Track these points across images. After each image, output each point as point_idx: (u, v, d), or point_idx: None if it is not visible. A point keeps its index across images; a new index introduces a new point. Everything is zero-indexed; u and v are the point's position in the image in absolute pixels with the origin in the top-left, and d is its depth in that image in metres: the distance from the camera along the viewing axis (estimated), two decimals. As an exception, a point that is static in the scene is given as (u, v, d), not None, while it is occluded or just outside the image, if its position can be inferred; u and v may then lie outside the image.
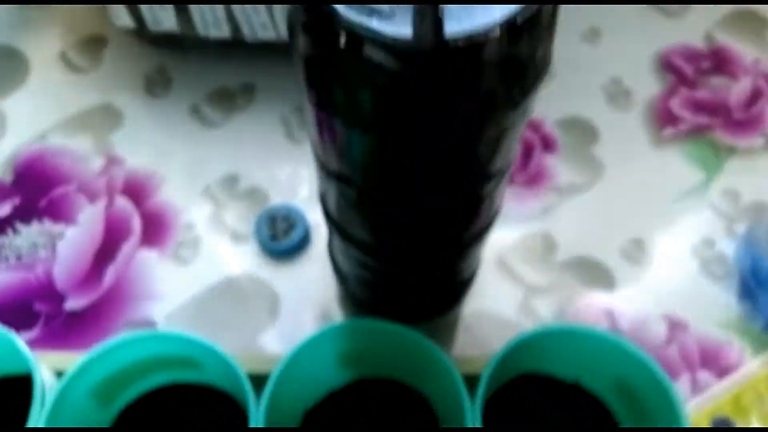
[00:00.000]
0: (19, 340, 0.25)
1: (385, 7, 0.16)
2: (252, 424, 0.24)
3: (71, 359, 0.30)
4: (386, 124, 0.19)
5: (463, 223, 0.25)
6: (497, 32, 0.16)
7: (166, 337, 0.26)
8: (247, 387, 0.24)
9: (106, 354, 0.26)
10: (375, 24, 0.16)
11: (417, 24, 0.16)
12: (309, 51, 0.19)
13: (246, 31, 0.36)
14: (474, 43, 0.16)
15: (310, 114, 0.22)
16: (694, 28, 0.44)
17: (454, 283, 0.31)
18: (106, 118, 0.39)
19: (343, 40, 0.17)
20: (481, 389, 0.25)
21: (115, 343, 0.26)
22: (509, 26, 0.16)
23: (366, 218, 0.25)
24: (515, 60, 0.17)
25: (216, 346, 0.26)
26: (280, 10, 0.35)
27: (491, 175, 0.22)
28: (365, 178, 0.22)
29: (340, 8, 0.16)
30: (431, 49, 0.16)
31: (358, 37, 0.16)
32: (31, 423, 0.24)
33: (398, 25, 0.16)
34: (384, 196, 0.23)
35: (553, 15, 0.18)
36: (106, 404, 0.28)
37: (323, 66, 0.18)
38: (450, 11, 0.16)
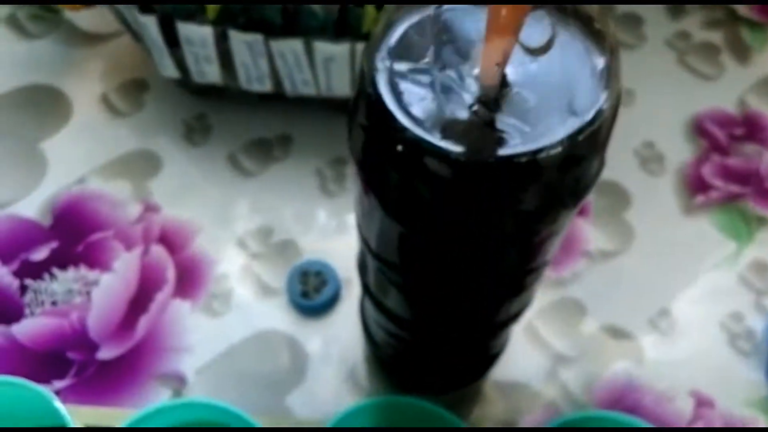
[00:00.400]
0: (58, 402, 0.26)
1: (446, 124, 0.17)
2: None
3: (104, 416, 0.30)
4: (437, 226, 0.19)
5: (500, 308, 0.25)
6: (556, 151, 0.16)
7: (203, 406, 0.27)
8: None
9: (142, 420, 0.26)
10: (435, 139, 0.17)
11: (473, 143, 0.17)
12: (366, 148, 0.19)
13: (287, 87, 0.37)
14: (532, 161, 0.16)
15: (361, 200, 0.22)
16: (727, 92, 0.44)
17: (485, 357, 0.31)
18: (144, 163, 0.40)
19: (401, 146, 0.17)
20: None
21: (152, 410, 0.26)
22: (569, 144, 0.16)
23: (403, 297, 0.25)
24: (572, 172, 0.18)
25: (250, 418, 0.26)
26: (322, 69, 0.35)
27: (534, 269, 0.23)
28: (408, 267, 0.23)
29: (402, 118, 0.17)
30: (488, 164, 0.17)
31: (419, 147, 0.17)
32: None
33: (457, 142, 0.17)
34: (425, 285, 0.23)
35: (612, 125, 0.18)
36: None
37: (379, 164, 0.19)
38: (510, 130, 0.17)
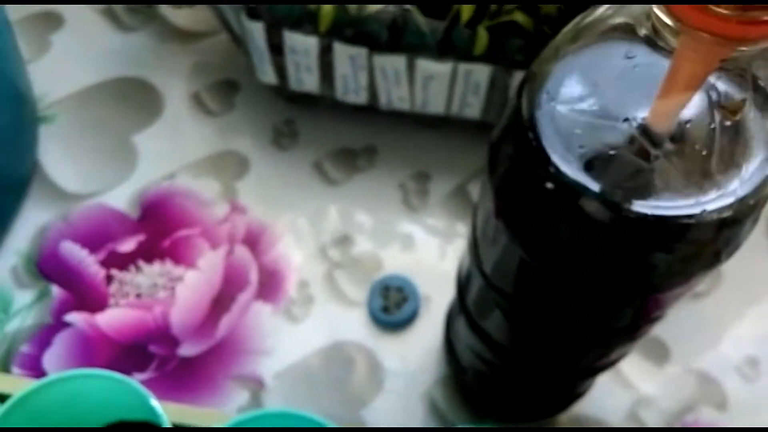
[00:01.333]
0: (152, 399, 0.26)
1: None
2: None
3: (188, 413, 0.30)
4: (571, 267, 0.19)
5: (606, 353, 0.25)
6: (725, 213, 0.16)
7: (293, 416, 0.27)
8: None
9: (233, 428, 0.26)
10: (589, 184, 0.16)
11: (628, 192, 0.16)
12: (509, 178, 0.19)
13: (383, 101, 0.37)
14: (693, 221, 0.16)
15: (485, 224, 0.22)
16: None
17: (570, 394, 0.30)
18: (232, 164, 0.40)
19: (552, 185, 0.17)
20: None
21: (244, 418, 0.26)
22: (737, 207, 0.16)
23: (507, 324, 0.25)
24: (730, 233, 0.17)
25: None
26: (420, 86, 0.35)
27: (654, 320, 0.22)
28: (523, 299, 0.22)
29: (556, 159, 0.17)
30: (645, 218, 0.16)
31: (571, 190, 0.17)
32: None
33: (613, 189, 0.16)
34: (535, 319, 0.23)
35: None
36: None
37: (521, 196, 0.19)
38: (672, 183, 0.16)
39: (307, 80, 0.36)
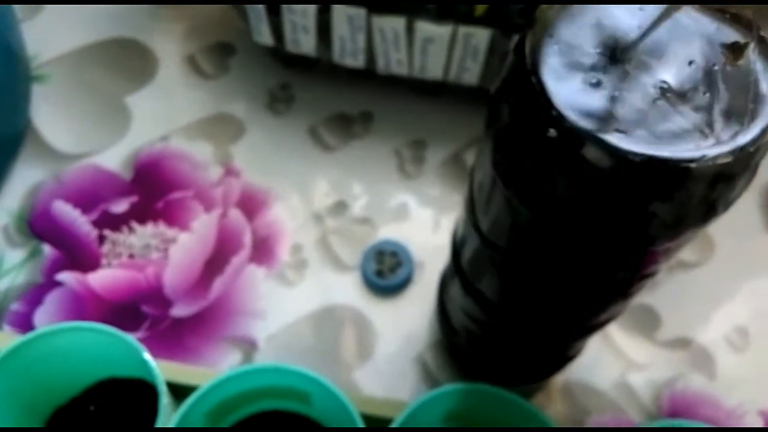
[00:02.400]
0: (148, 356, 0.26)
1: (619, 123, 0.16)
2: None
3: (182, 372, 0.30)
4: (570, 218, 0.19)
5: (599, 311, 0.25)
6: (726, 159, 0.16)
7: (285, 371, 0.27)
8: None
9: (226, 382, 0.26)
10: (593, 130, 0.16)
11: (633, 139, 0.16)
12: (509, 132, 0.19)
13: (380, 64, 0.36)
14: (696, 168, 0.16)
15: (482, 181, 0.22)
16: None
17: (561, 357, 0.31)
18: (227, 127, 0.40)
19: (556, 133, 0.17)
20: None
21: (236, 372, 0.26)
22: (739, 155, 0.16)
23: (503, 282, 0.25)
24: (728, 184, 0.17)
25: (333, 387, 0.26)
26: (419, 50, 0.35)
27: (647, 276, 0.22)
28: (520, 254, 0.22)
29: (562, 106, 0.17)
30: (649, 163, 0.16)
31: (575, 134, 0.16)
32: (153, 439, 0.25)
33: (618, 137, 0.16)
34: (532, 274, 0.23)
35: None
36: (217, 422, 0.28)
37: (521, 149, 0.18)
38: (681, 128, 0.16)
39: (304, 42, 0.36)
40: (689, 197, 0.17)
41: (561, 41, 0.17)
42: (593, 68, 0.16)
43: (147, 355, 0.26)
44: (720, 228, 0.38)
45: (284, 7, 0.34)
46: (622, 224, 0.18)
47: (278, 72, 0.41)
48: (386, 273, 0.35)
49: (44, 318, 0.34)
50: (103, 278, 0.35)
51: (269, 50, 0.39)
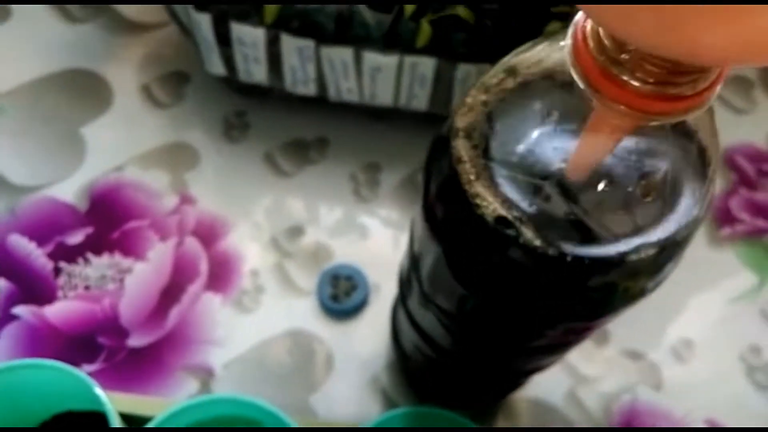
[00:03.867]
0: (97, 387, 0.26)
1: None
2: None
3: (136, 403, 0.31)
4: (501, 298, 0.19)
5: (541, 361, 0.26)
6: (648, 253, 0.17)
7: (238, 402, 0.27)
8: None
9: (180, 412, 0.27)
10: (516, 227, 0.16)
11: (554, 235, 0.17)
12: (441, 208, 0.19)
13: (332, 92, 0.37)
14: (621, 261, 0.17)
15: (422, 240, 0.22)
16: (758, 127, 0.44)
17: (513, 384, 0.31)
18: (182, 156, 0.40)
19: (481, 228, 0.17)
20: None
21: (189, 404, 0.27)
22: (661, 248, 0.17)
23: (442, 327, 0.25)
24: (655, 272, 0.18)
25: (285, 417, 0.27)
26: (368, 78, 0.36)
27: (584, 338, 0.23)
28: (458, 314, 0.23)
29: (486, 198, 0.17)
30: (573, 259, 0.16)
31: (500, 234, 0.17)
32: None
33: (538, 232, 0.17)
34: (471, 331, 0.23)
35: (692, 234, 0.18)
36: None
37: (452, 229, 0.19)
38: (594, 225, 0.17)
39: (256, 72, 0.37)
40: (614, 286, 0.18)
41: (484, 146, 0.17)
42: (520, 164, 0.17)
43: (98, 390, 0.26)
44: (665, 243, 0.40)
45: (234, 38, 0.35)
46: (549, 308, 0.18)
47: (233, 100, 0.42)
48: (341, 297, 0.36)
49: (1, 352, 0.34)
50: (59, 311, 0.35)
51: (224, 79, 0.39)
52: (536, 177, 0.16)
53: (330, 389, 0.35)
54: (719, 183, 0.42)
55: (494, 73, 0.18)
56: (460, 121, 0.18)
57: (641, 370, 0.36)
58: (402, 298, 0.28)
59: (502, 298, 0.19)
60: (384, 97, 0.37)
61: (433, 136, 0.20)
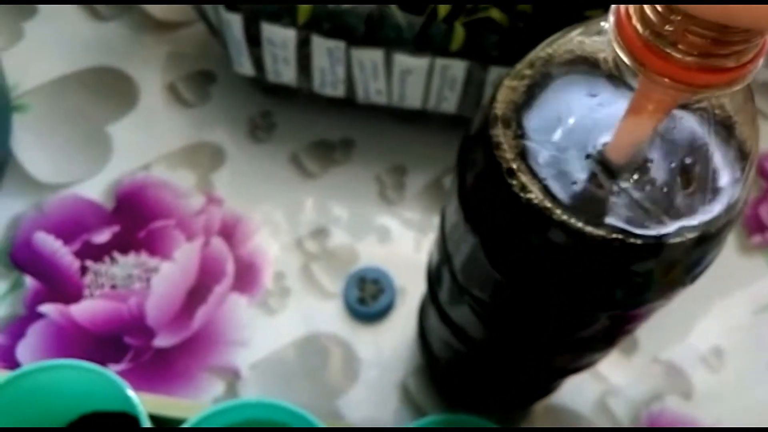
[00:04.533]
0: (129, 389, 0.26)
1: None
2: None
3: (163, 404, 0.31)
4: (542, 285, 0.19)
5: (580, 359, 0.25)
6: (693, 235, 0.16)
7: (269, 406, 0.27)
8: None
9: (212, 416, 0.26)
10: (557, 208, 0.16)
11: (596, 214, 0.16)
12: (478, 194, 0.19)
13: (360, 94, 0.37)
14: (664, 243, 0.16)
15: (455, 229, 0.22)
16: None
17: (545, 389, 0.31)
18: (208, 155, 0.40)
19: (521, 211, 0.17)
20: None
21: (221, 408, 0.26)
22: (705, 230, 0.16)
23: (476, 320, 0.25)
24: (699, 254, 0.18)
25: (316, 421, 0.26)
26: (398, 80, 0.35)
27: (627, 332, 0.23)
28: (494, 304, 0.22)
29: (526, 181, 0.17)
30: (616, 241, 0.16)
31: (540, 215, 0.17)
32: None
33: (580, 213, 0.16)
34: (507, 322, 0.23)
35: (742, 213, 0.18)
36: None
37: (489, 213, 0.19)
38: (636, 206, 0.16)
39: (285, 72, 0.36)
40: (655, 271, 0.17)
41: (525, 126, 0.17)
42: (560, 147, 0.17)
43: (130, 391, 0.26)
44: (694, 250, 0.39)
45: (265, 38, 0.35)
46: (590, 294, 0.18)
47: (259, 100, 0.42)
48: (368, 300, 0.36)
49: (27, 350, 0.34)
50: (85, 310, 0.35)
51: (250, 78, 0.39)
52: (576, 160, 0.16)
53: (356, 393, 0.34)
54: (752, 190, 0.41)
55: (530, 60, 0.18)
56: (498, 109, 0.18)
57: (670, 378, 0.35)
58: (432, 295, 0.27)
59: (541, 284, 0.19)
60: (413, 99, 0.37)
61: (466, 129, 0.20)
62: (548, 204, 0.16)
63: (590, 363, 0.26)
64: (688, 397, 0.35)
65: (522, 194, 0.16)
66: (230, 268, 0.37)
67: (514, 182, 0.17)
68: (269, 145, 0.41)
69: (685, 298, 0.38)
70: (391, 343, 0.36)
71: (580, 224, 0.16)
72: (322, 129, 0.41)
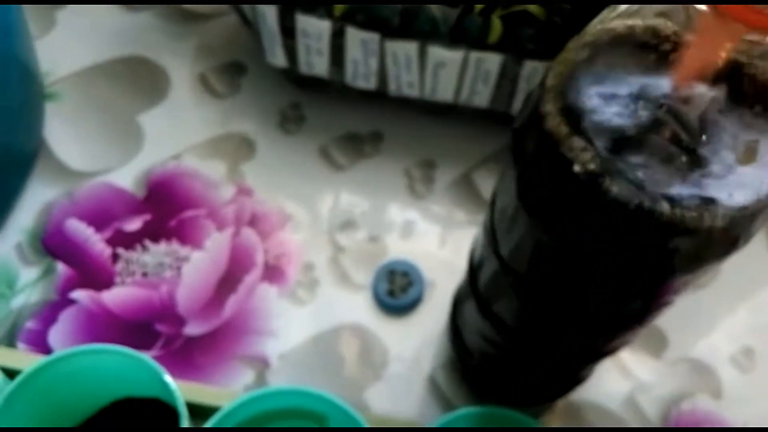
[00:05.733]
0: (166, 374, 0.27)
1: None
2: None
3: (197, 391, 0.31)
4: (594, 252, 0.19)
5: (615, 337, 0.25)
6: (753, 208, 0.16)
7: (305, 394, 0.27)
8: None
9: (247, 403, 0.27)
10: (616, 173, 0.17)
11: (655, 182, 0.17)
12: (534, 163, 0.19)
13: (392, 87, 0.37)
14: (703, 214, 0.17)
15: (505, 207, 0.22)
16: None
17: (574, 379, 0.31)
18: (238, 146, 0.40)
19: (580, 169, 0.17)
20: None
21: (256, 394, 0.27)
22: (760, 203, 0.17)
23: (518, 305, 0.25)
24: (750, 225, 0.18)
25: (351, 410, 0.27)
26: (431, 73, 0.35)
27: (665, 304, 0.23)
28: (538, 280, 0.23)
29: (582, 147, 0.17)
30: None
31: (596, 178, 0.17)
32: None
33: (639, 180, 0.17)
34: (548, 298, 0.23)
35: None
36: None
37: (546, 182, 0.19)
38: (698, 177, 0.17)
39: (318, 64, 0.36)
40: (708, 237, 0.17)
41: (583, 89, 0.17)
42: (619, 112, 0.17)
43: (167, 377, 0.26)
44: (725, 249, 0.39)
45: (299, 30, 0.35)
46: (643, 258, 0.18)
47: (289, 92, 0.42)
48: (398, 293, 0.36)
49: (59, 336, 0.35)
50: (116, 296, 0.36)
51: (280, 70, 0.39)
52: (631, 129, 0.17)
53: (384, 385, 0.34)
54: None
55: (583, 36, 0.18)
56: (550, 81, 0.18)
57: (699, 377, 0.35)
58: (472, 284, 0.27)
59: (589, 248, 0.19)
60: (445, 92, 0.37)
61: (523, 103, 0.20)
62: (601, 173, 0.16)
63: (621, 345, 0.26)
64: (718, 396, 0.35)
65: (577, 164, 0.17)
66: (260, 258, 0.37)
67: (570, 154, 0.17)
68: (299, 137, 0.41)
69: (714, 296, 0.38)
70: (420, 337, 0.36)
71: (628, 193, 0.16)
72: (351, 122, 0.41)
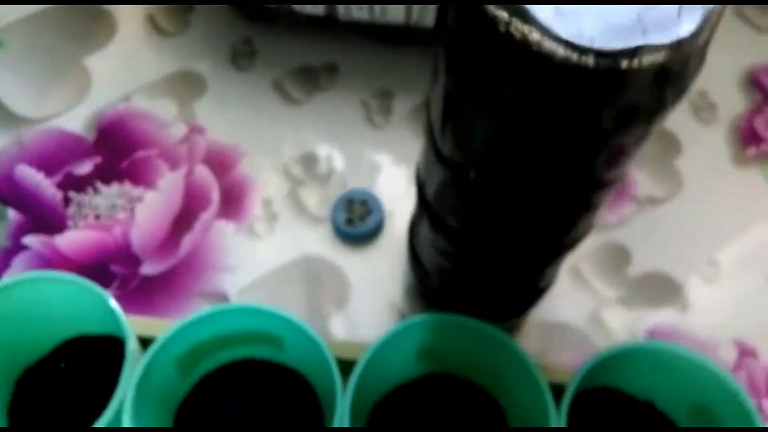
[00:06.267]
0: (114, 304, 0.26)
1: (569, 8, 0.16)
2: (337, 411, 0.24)
3: (152, 325, 0.30)
4: (527, 119, 0.18)
5: (563, 229, 0.25)
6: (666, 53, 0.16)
7: (255, 311, 0.26)
8: (335, 373, 0.25)
9: (195, 324, 0.26)
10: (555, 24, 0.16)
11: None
12: (460, 37, 0.19)
13: (341, 10, 0.36)
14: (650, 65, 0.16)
15: (438, 98, 0.21)
16: (784, 47, 0.43)
17: (533, 289, 0.31)
18: (189, 85, 0.39)
19: (514, 32, 0.16)
20: (566, 399, 0.25)
21: (205, 314, 0.26)
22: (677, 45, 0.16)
23: (468, 206, 0.24)
24: (675, 71, 0.17)
25: (307, 327, 0.26)
26: (378, -5, 0.34)
27: (608, 183, 0.22)
28: (481, 167, 0.22)
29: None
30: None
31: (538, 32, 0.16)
32: (121, 386, 0.24)
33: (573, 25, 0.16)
34: (495, 187, 0.23)
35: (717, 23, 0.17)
36: (186, 373, 0.28)
37: (474, 55, 0.18)
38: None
39: (263, -9, 0.35)
40: (639, 87, 0.17)
41: None
42: None
43: (113, 303, 0.26)
44: (689, 161, 0.38)
45: (239, -46, 0.33)
46: (576, 117, 0.18)
47: (239, 26, 0.41)
48: (356, 221, 0.35)
49: (12, 282, 0.34)
50: (70, 240, 0.35)
51: (229, 5, 0.38)
52: None
53: (347, 315, 0.34)
54: (744, 102, 0.40)
55: None
56: None
57: (665, 291, 0.35)
58: (420, 197, 0.27)
59: (521, 115, 0.18)
60: (395, 13, 0.35)
61: None
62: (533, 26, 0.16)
63: (575, 238, 0.25)
64: (684, 310, 0.35)
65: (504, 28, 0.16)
66: (216, 195, 0.36)
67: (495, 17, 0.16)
68: (252, 72, 0.40)
69: (678, 211, 0.37)
70: (381, 265, 0.35)
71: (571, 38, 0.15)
72: (304, 54, 0.40)
